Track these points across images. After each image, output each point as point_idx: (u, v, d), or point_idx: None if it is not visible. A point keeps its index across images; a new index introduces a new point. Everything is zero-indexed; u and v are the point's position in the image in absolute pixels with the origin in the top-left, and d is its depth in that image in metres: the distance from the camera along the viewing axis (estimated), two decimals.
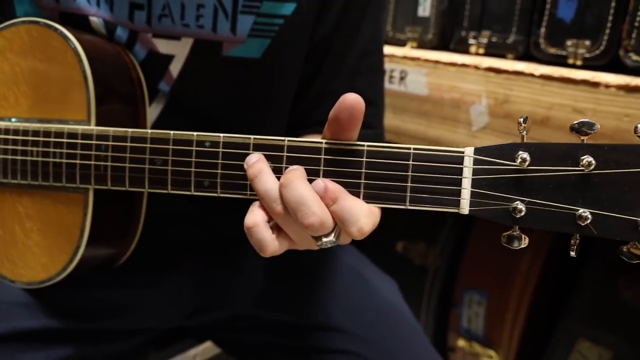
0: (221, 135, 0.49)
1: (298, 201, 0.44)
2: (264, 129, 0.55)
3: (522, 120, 0.45)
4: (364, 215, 0.45)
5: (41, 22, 0.61)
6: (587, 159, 0.43)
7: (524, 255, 1.05)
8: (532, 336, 1.08)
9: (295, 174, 0.46)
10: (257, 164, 0.47)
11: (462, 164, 0.45)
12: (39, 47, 0.62)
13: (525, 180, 0.44)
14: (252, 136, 0.48)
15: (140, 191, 0.63)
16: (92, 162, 0.56)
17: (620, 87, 0.75)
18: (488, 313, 1.11)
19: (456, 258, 1.15)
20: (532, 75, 0.83)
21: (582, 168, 0.43)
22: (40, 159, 0.60)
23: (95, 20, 0.63)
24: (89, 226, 0.58)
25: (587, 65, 0.82)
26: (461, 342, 1.17)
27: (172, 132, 0.51)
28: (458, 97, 0.90)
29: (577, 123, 0.44)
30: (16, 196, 0.63)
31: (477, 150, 0.45)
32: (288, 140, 0.47)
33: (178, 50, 0.65)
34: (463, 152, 0.45)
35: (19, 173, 0.62)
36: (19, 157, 0.62)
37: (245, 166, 0.48)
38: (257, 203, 0.48)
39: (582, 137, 0.44)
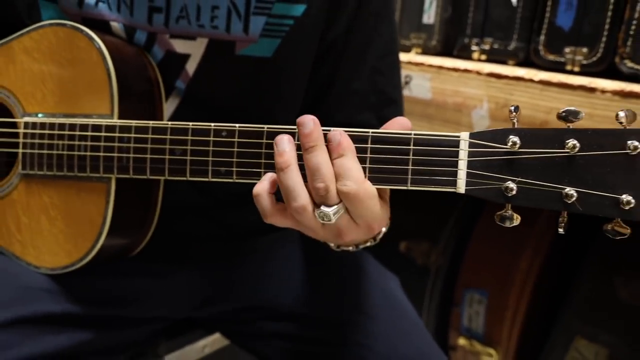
0: (237, 125, 0.53)
1: (315, 167, 0.49)
2: (273, 124, 0.59)
3: (512, 108, 0.49)
4: (355, 181, 0.49)
5: (67, 24, 0.65)
6: (572, 142, 0.47)
7: (524, 254, 1.08)
8: (531, 334, 1.11)
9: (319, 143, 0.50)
10: (287, 148, 0.51)
11: (458, 147, 0.49)
12: (65, 47, 0.66)
13: (516, 162, 0.48)
14: (265, 125, 0.52)
15: (157, 183, 0.68)
16: (115, 154, 0.60)
17: (616, 93, 0.78)
18: (488, 312, 1.14)
19: (457, 257, 1.18)
20: (531, 80, 0.86)
21: (567, 150, 0.47)
22: (65, 152, 0.64)
23: (115, 25, 0.67)
24: (110, 214, 0.62)
25: (585, 72, 0.86)
26: (462, 341, 1.20)
27: (190, 123, 0.55)
28: (460, 101, 0.94)
29: (564, 111, 0.48)
30: (42, 187, 0.67)
31: (472, 135, 0.49)
32: (290, 128, 0.51)
33: (194, 50, 0.69)
34: (459, 137, 0.49)
35: (45, 165, 0.66)
36: (45, 151, 0.66)
37: (276, 147, 0.51)
38: (267, 174, 0.52)
39: (568, 124, 0.48)
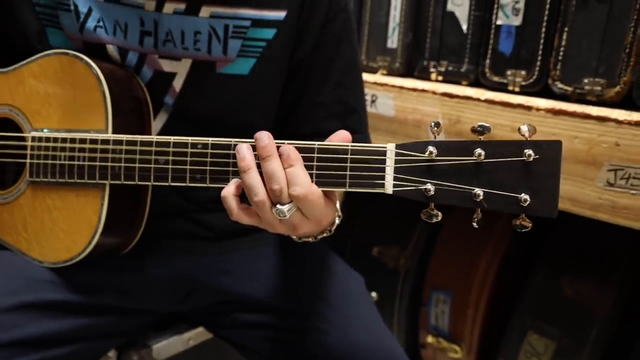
0: (210, 139, 0.64)
1: (271, 172, 0.60)
2: (252, 133, 0.70)
3: (433, 124, 0.60)
4: (303, 186, 0.60)
5: (70, 53, 0.77)
6: (479, 150, 0.58)
7: (483, 256, 1.19)
8: (490, 330, 1.21)
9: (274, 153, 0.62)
10: (247, 155, 0.62)
11: (385, 156, 0.60)
12: (68, 72, 0.77)
13: (433, 168, 0.59)
14: (233, 139, 0.63)
15: (146, 188, 0.78)
16: (109, 164, 0.71)
17: (548, 110, 0.90)
18: (452, 310, 1.24)
19: (424, 260, 1.29)
20: (478, 99, 0.98)
21: (475, 158, 0.58)
22: (67, 162, 0.75)
23: (111, 47, 0.78)
24: (105, 214, 0.73)
25: (524, 92, 0.97)
26: (430, 339, 1.30)
27: (172, 137, 0.67)
28: (419, 118, 1.06)
29: (479, 126, 0.59)
30: (46, 191, 0.78)
31: (398, 146, 0.60)
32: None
33: (179, 69, 0.79)
34: (386, 147, 0.60)
35: (49, 173, 0.77)
36: (50, 161, 0.77)
37: (237, 154, 0.62)
38: (233, 180, 0.63)
39: (480, 136, 0.59)
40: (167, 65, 0.79)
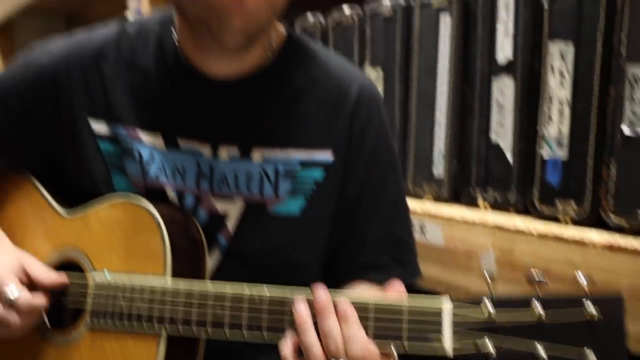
0: (267, 291, 0.66)
1: (327, 330, 0.61)
2: (305, 274, 0.71)
3: (487, 274, 0.59)
4: (360, 346, 0.60)
5: (134, 202, 0.82)
6: (539, 310, 0.57)
7: None
8: None
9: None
10: (304, 311, 0.63)
11: (441, 317, 0.60)
12: (131, 219, 0.82)
13: (492, 328, 0.58)
14: (289, 293, 0.65)
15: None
16: (167, 315, 0.73)
17: (605, 247, 0.88)
18: None
19: None
20: (531, 234, 0.97)
21: (535, 320, 0.57)
22: (125, 309, 0.77)
23: (170, 191, 0.83)
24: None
25: (577, 223, 0.96)
26: None
27: (229, 288, 0.69)
28: (470, 249, 1.05)
29: (535, 275, 0.58)
30: (105, 335, 0.80)
31: (454, 303, 0.60)
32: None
33: (232, 210, 0.83)
34: (441, 309, 0.59)
35: (108, 317, 0.79)
36: (110, 308, 0.79)
37: (294, 310, 0.63)
38: (290, 333, 0.63)
39: (537, 288, 0.58)
40: (220, 207, 0.83)
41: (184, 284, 0.73)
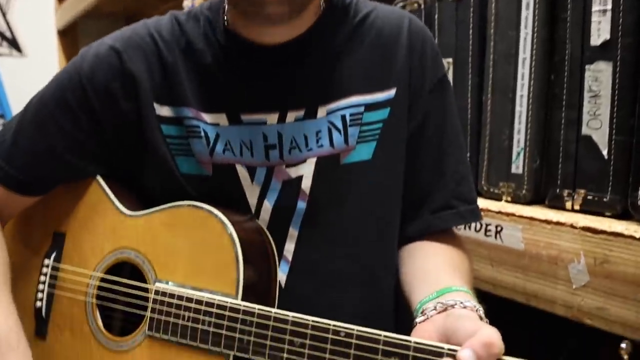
0: (355, 328, 0.58)
1: None
2: (386, 233, 0.72)
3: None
4: None
5: (205, 208, 0.75)
6: None
7: None
8: None
9: None
10: None
11: None
12: (200, 227, 0.75)
13: None
14: (382, 332, 0.56)
15: None
16: (237, 335, 0.66)
17: None
18: None
19: None
20: (632, 237, 0.85)
21: None
22: (190, 323, 0.71)
23: (239, 166, 0.79)
24: None
25: None
26: None
27: (310, 318, 0.61)
28: (555, 254, 0.94)
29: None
30: (164, 349, 0.74)
31: None
32: (414, 342, 0.54)
33: (305, 171, 0.79)
34: None
35: (170, 331, 0.73)
36: (171, 319, 0.73)
37: None
38: None
39: None
40: (293, 172, 0.80)
41: (258, 307, 0.66)
